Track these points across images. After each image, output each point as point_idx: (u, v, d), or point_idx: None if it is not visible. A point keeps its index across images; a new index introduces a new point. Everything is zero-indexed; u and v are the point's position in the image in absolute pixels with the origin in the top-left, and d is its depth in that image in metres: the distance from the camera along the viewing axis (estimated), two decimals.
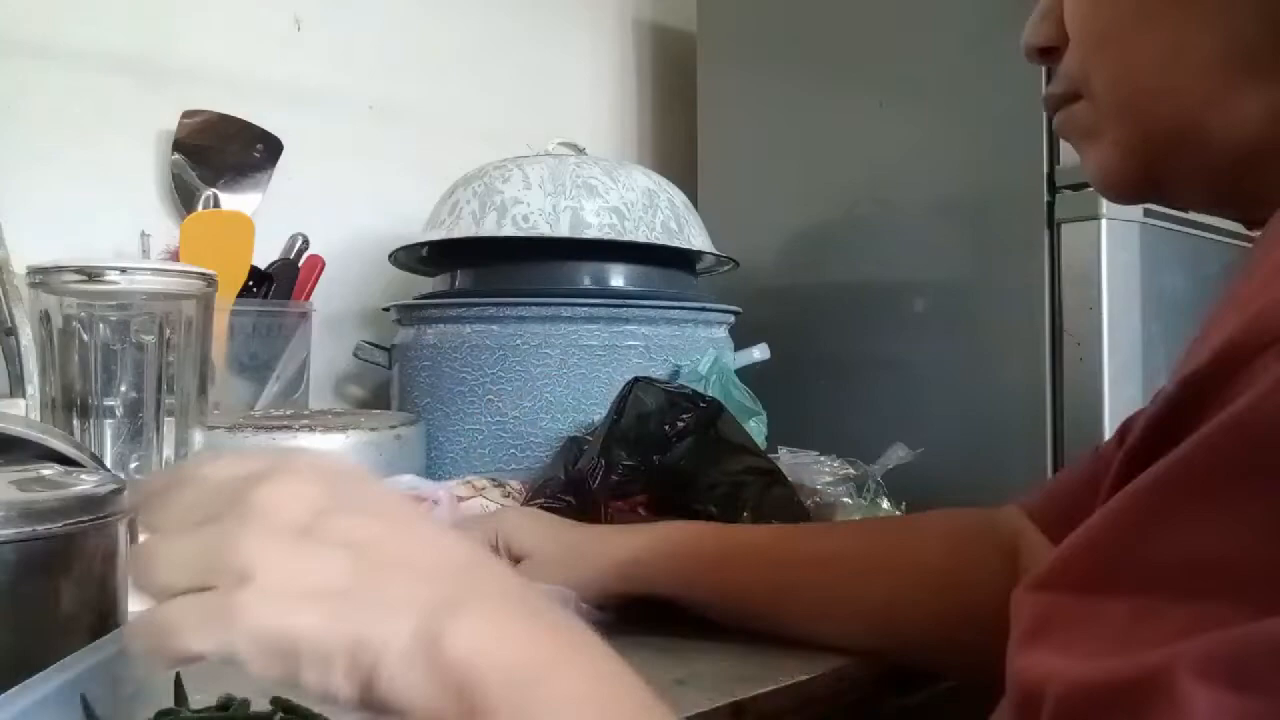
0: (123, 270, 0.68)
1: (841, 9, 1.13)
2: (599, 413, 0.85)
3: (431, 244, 1.00)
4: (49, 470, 0.53)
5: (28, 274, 0.69)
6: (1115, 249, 0.89)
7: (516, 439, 0.92)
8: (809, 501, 0.79)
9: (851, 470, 0.84)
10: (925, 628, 0.57)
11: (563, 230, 0.93)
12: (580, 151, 1.06)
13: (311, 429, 0.80)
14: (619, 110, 1.53)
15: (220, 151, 1.10)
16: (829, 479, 0.83)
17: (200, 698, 0.48)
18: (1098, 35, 0.39)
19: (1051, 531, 0.51)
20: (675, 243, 0.98)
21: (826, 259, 1.14)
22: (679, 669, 0.54)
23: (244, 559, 0.29)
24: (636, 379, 0.79)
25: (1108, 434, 0.74)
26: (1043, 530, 0.53)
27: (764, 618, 0.58)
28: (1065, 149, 0.90)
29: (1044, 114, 0.45)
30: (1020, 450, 0.92)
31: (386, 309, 1.05)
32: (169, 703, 0.47)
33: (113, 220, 1.05)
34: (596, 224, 0.94)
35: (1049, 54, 0.43)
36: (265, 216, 1.09)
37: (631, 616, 0.59)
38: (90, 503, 0.49)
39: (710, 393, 0.85)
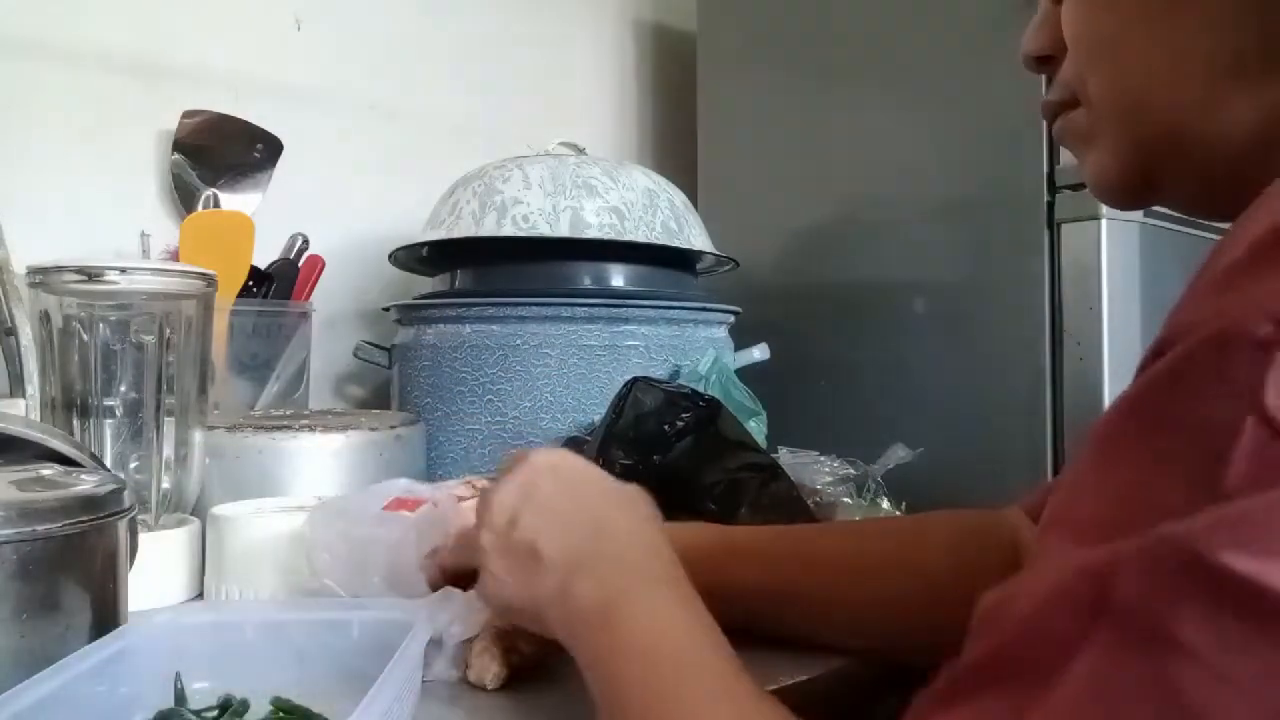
0: (123, 270, 0.68)
1: (842, 9, 1.13)
2: (599, 413, 0.85)
3: (431, 244, 1.00)
4: (49, 470, 0.53)
5: (28, 274, 0.69)
6: (1115, 249, 0.89)
7: (516, 439, 0.92)
8: (809, 501, 0.79)
9: (851, 470, 0.84)
10: (926, 629, 0.57)
11: (563, 230, 0.93)
12: (580, 151, 1.06)
13: (311, 429, 0.80)
14: (619, 110, 1.53)
15: (220, 151, 1.10)
16: (829, 479, 0.83)
17: (200, 698, 0.48)
18: (1093, 43, 0.40)
19: None
20: (675, 243, 0.98)
21: (826, 259, 1.14)
22: None
23: (483, 542, 0.50)
24: (635, 379, 0.79)
25: None
26: None
27: (764, 616, 0.58)
28: (1065, 149, 0.90)
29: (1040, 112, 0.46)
30: (1020, 450, 0.92)
31: (386, 309, 1.05)
32: (169, 703, 0.47)
33: (113, 220, 1.05)
34: (596, 224, 0.94)
35: (1047, 62, 0.44)
36: (265, 216, 1.09)
37: None
38: (90, 503, 0.49)
39: (710, 393, 0.85)
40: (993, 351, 0.96)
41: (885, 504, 0.83)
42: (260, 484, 0.77)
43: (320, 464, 0.79)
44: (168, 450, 0.73)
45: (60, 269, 0.68)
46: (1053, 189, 0.92)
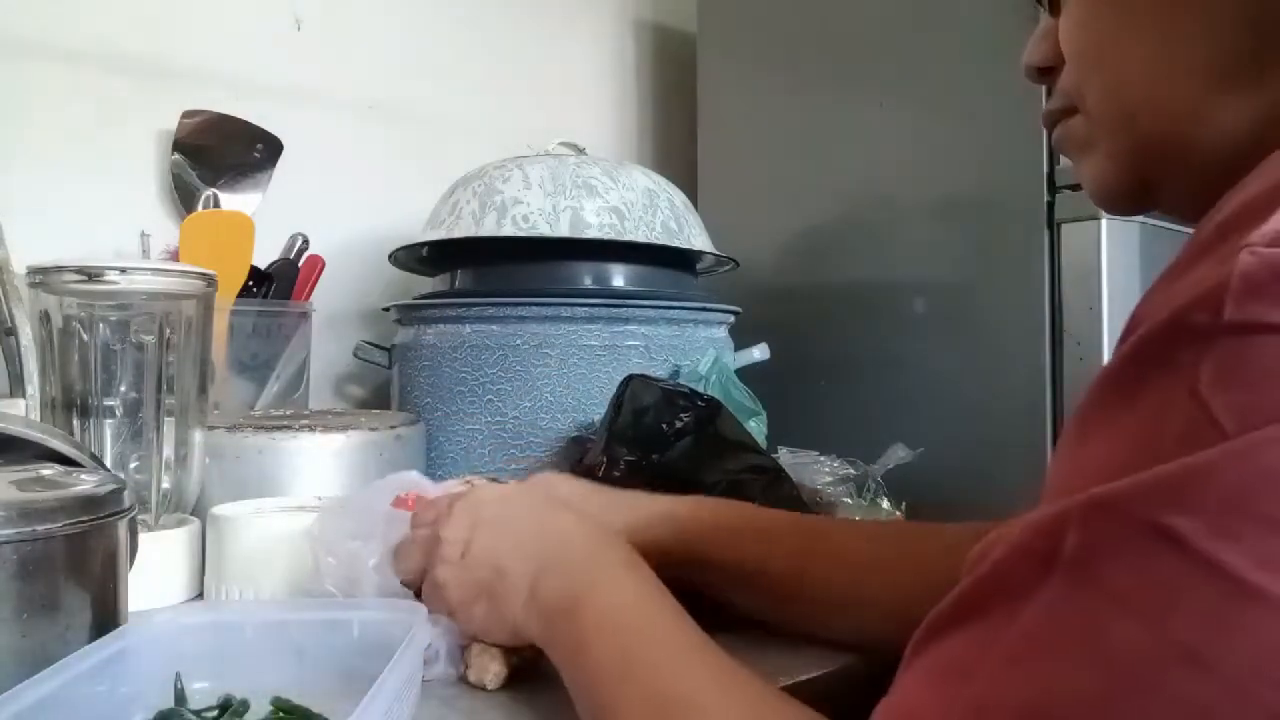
0: (123, 270, 0.68)
1: (842, 9, 1.13)
2: (599, 413, 0.85)
3: (431, 244, 1.00)
4: (49, 470, 0.53)
5: (28, 274, 0.69)
6: (1115, 249, 0.89)
7: (516, 439, 0.92)
8: (809, 503, 0.79)
9: (851, 470, 0.84)
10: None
11: (563, 230, 0.93)
12: (580, 151, 1.06)
13: (311, 429, 0.80)
14: (619, 110, 1.53)
15: (220, 151, 1.10)
16: (829, 479, 0.83)
17: (200, 698, 0.48)
18: (1089, 51, 0.41)
19: None
20: (675, 243, 0.98)
21: (826, 259, 1.14)
22: None
23: (439, 579, 0.53)
24: (632, 376, 0.79)
25: None
26: None
27: (776, 594, 0.60)
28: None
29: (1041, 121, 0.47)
30: (1020, 450, 0.92)
31: (386, 309, 1.05)
32: (169, 703, 0.47)
33: (113, 220, 1.05)
34: (596, 224, 0.94)
35: (1048, 73, 0.45)
36: (265, 216, 1.09)
37: None
38: (90, 503, 0.49)
39: (710, 393, 0.85)
40: (993, 351, 0.96)
41: (885, 504, 0.83)
42: (260, 484, 0.77)
43: (320, 464, 0.79)
44: (168, 450, 0.73)
45: (60, 269, 0.68)
46: (1053, 189, 0.92)
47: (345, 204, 1.21)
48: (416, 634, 0.47)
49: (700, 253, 1.02)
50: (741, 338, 1.06)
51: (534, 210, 0.94)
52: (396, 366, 1.03)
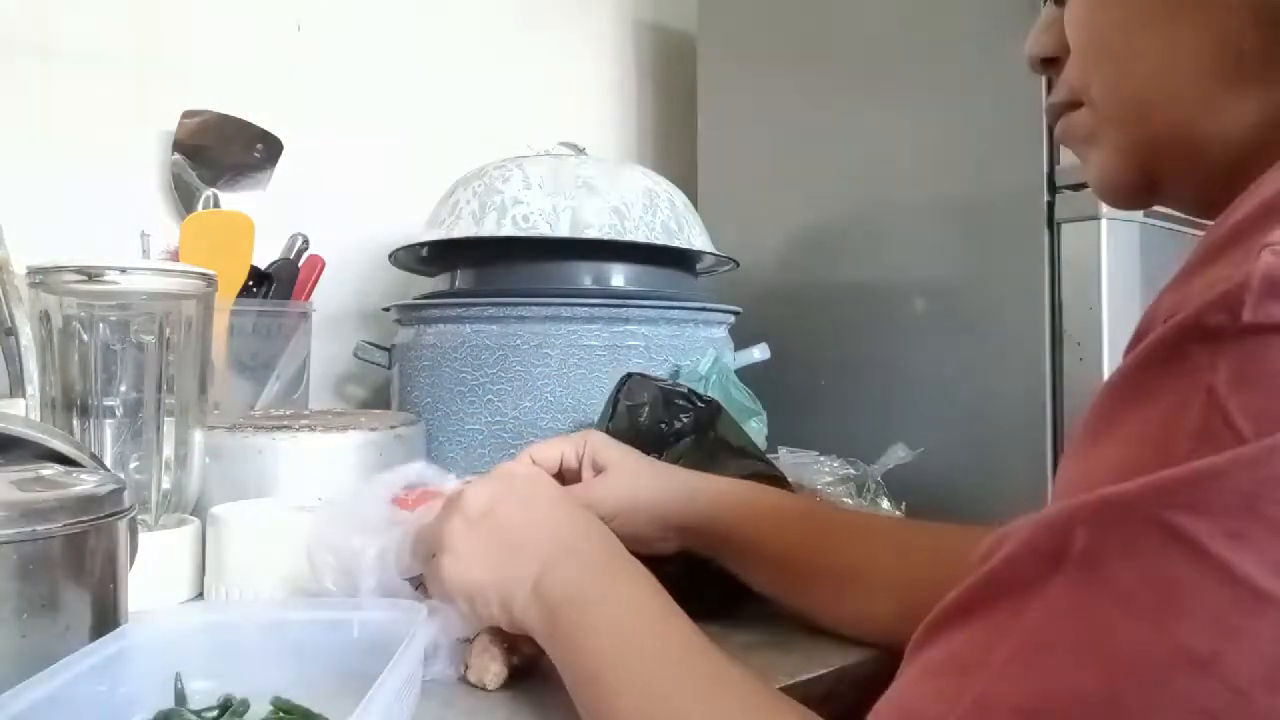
0: (123, 270, 0.68)
1: (842, 10, 1.13)
2: (599, 413, 0.85)
3: (431, 244, 1.00)
4: (49, 470, 0.53)
5: (28, 274, 0.69)
6: (1115, 249, 0.89)
7: (516, 439, 0.92)
8: None
9: (851, 470, 0.84)
10: None
11: (563, 230, 0.93)
12: (580, 151, 1.06)
13: (311, 429, 0.80)
14: (619, 110, 1.53)
15: (220, 151, 1.10)
16: (829, 479, 0.83)
17: (200, 698, 0.48)
18: (1095, 44, 0.41)
19: None
20: (675, 243, 0.98)
21: (826, 259, 1.14)
22: None
23: (444, 539, 0.52)
24: (629, 374, 0.79)
25: None
26: None
27: (794, 577, 0.61)
28: (1065, 149, 0.90)
29: (1044, 114, 0.46)
30: (1020, 450, 0.92)
31: (386, 309, 1.05)
32: (169, 703, 0.47)
33: (113, 220, 1.05)
34: (596, 224, 0.94)
35: (1051, 64, 0.44)
36: (265, 216, 1.09)
37: None
38: (90, 503, 0.49)
39: (710, 393, 0.85)
40: (993, 351, 0.96)
41: (885, 504, 0.83)
42: (260, 484, 0.77)
43: (320, 464, 0.79)
44: (168, 450, 0.73)
45: (60, 269, 0.68)
46: (1053, 189, 0.92)
47: (345, 204, 1.21)
48: (416, 634, 0.47)
49: (700, 253, 1.02)
50: (741, 338, 1.06)
51: (534, 210, 0.94)
52: (396, 366, 1.03)
